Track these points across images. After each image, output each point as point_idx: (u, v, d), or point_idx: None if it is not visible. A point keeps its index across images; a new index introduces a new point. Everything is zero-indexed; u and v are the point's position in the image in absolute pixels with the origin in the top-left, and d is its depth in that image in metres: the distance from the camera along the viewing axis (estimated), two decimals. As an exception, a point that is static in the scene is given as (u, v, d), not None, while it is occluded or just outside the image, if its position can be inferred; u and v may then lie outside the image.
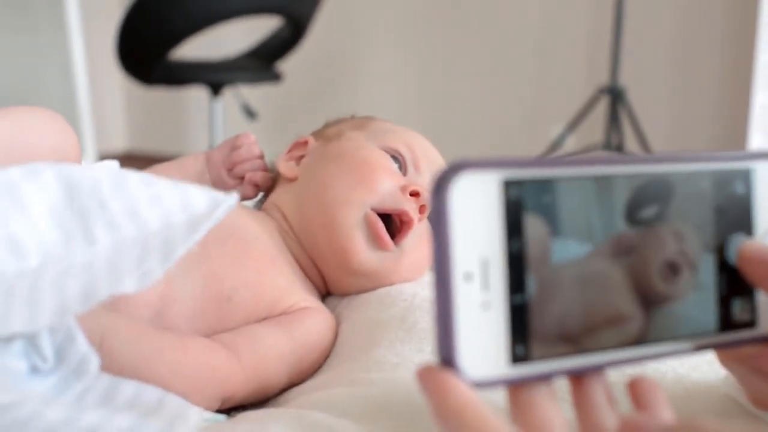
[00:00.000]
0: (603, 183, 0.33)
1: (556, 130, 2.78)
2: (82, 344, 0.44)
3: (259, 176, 0.75)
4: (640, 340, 0.33)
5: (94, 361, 0.44)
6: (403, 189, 0.67)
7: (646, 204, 0.34)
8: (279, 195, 0.73)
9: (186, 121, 3.69)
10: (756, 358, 0.37)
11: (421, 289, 0.66)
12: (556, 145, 2.66)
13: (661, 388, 0.33)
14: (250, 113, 2.63)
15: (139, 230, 0.50)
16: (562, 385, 0.33)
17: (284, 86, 2.82)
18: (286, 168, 0.74)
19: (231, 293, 0.59)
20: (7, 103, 0.63)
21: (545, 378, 0.31)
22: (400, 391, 0.48)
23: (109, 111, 3.67)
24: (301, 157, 0.74)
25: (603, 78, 2.67)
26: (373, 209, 0.66)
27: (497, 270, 0.30)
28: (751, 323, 0.36)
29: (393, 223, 0.67)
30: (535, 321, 0.31)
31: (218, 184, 0.76)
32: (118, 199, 0.51)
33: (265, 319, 0.61)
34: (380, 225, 0.65)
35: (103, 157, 2.81)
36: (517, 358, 0.31)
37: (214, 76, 2.47)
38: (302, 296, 0.64)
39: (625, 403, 0.33)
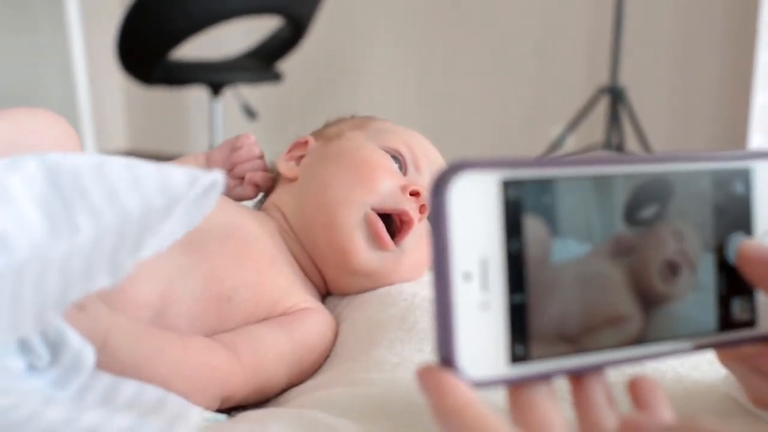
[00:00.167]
0: (602, 183, 0.33)
1: (556, 130, 2.78)
2: (74, 340, 0.44)
3: (259, 176, 0.75)
4: (639, 339, 0.33)
5: (89, 356, 0.44)
6: (403, 189, 0.67)
7: (645, 204, 0.34)
8: (279, 195, 0.73)
9: (186, 121, 3.69)
10: (755, 357, 0.37)
11: (421, 288, 0.66)
12: (556, 145, 2.66)
13: (660, 387, 0.33)
14: (250, 113, 2.63)
15: (119, 217, 0.47)
16: (562, 385, 0.33)
17: (284, 86, 2.82)
18: (286, 168, 0.74)
19: (231, 293, 0.59)
20: (7, 103, 0.63)
21: (545, 378, 0.31)
22: (399, 390, 0.48)
23: (109, 111, 3.67)
24: (301, 157, 0.74)
25: (603, 78, 2.67)
26: (373, 209, 0.66)
27: (496, 270, 0.30)
28: (750, 323, 0.36)
29: (393, 223, 0.67)
30: (535, 321, 0.31)
31: (218, 184, 0.76)
32: (99, 185, 0.48)
33: (265, 319, 0.61)
34: (380, 225, 0.65)
35: (103, 157, 2.80)
36: (516, 357, 0.31)
37: (214, 76, 2.47)
38: (302, 297, 0.64)
39: (624, 403, 0.33)
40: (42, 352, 0.43)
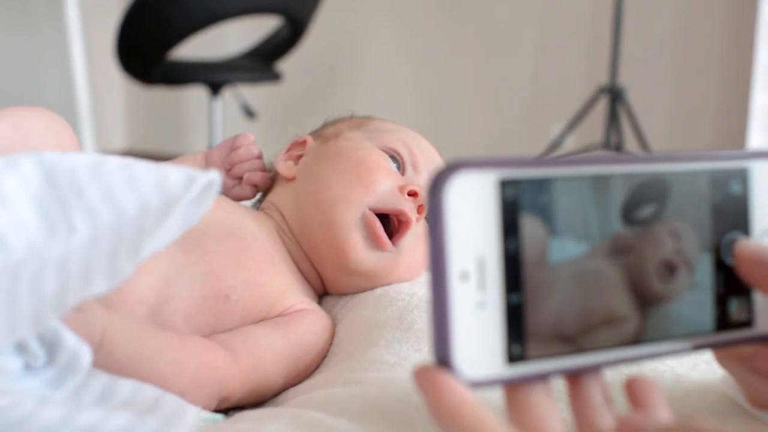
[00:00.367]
0: (599, 182, 0.33)
1: (555, 130, 2.79)
2: (69, 339, 0.43)
3: (257, 176, 0.75)
4: (637, 339, 0.33)
5: (85, 356, 0.44)
6: (401, 189, 0.67)
7: (642, 203, 0.34)
8: (277, 194, 0.73)
9: (186, 121, 3.69)
10: (753, 357, 0.37)
11: (419, 288, 0.66)
12: (556, 144, 2.66)
13: (658, 387, 0.33)
14: (249, 113, 2.63)
15: (116, 216, 0.46)
16: (559, 385, 0.33)
17: (284, 86, 2.82)
18: (284, 168, 0.74)
19: (229, 292, 0.59)
20: (7, 103, 0.63)
21: (542, 378, 0.31)
22: (397, 390, 0.48)
23: (109, 111, 3.66)
24: (300, 156, 0.74)
25: (602, 78, 2.67)
26: (371, 209, 0.65)
27: (493, 269, 0.30)
28: (748, 323, 0.36)
29: (391, 223, 0.67)
30: (532, 320, 0.31)
31: (217, 184, 0.76)
32: (95, 184, 0.48)
33: (262, 319, 0.61)
34: (378, 225, 0.65)
35: (102, 157, 2.80)
36: (513, 357, 0.31)
37: (214, 76, 2.47)
38: (300, 298, 0.64)
39: (622, 403, 0.33)
40: (38, 351, 0.43)
